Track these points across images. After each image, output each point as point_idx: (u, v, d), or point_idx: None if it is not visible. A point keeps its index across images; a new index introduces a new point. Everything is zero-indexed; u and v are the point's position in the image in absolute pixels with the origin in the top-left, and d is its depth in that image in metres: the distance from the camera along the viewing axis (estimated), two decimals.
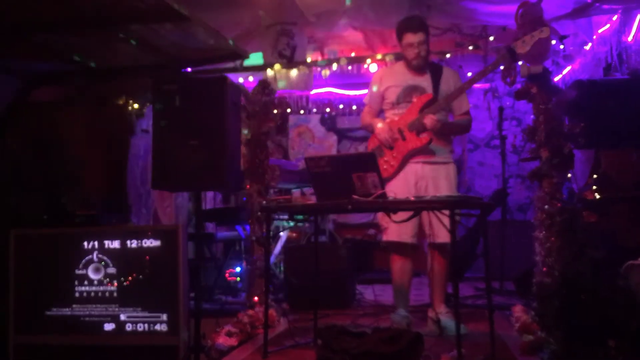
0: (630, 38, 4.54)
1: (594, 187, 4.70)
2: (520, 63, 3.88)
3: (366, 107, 4.02)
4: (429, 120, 3.62)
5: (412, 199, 3.05)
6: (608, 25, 4.81)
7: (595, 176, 4.88)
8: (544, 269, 3.81)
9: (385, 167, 3.75)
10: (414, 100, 3.73)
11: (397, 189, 3.66)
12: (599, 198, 4.59)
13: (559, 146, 3.91)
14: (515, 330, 3.48)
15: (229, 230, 5.87)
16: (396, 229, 3.61)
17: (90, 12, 3.90)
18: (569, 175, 4.08)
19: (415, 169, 3.73)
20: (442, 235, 3.47)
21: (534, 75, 3.92)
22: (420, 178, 3.72)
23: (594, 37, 5.04)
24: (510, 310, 3.90)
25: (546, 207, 3.87)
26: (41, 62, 4.85)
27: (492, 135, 7.29)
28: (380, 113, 3.97)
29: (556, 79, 5.81)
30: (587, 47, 5.22)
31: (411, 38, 3.72)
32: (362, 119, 4.04)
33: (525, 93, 4.14)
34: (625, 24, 4.57)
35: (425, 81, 3.78)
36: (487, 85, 6.71)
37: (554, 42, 4.44)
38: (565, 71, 5.83)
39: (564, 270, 3.41)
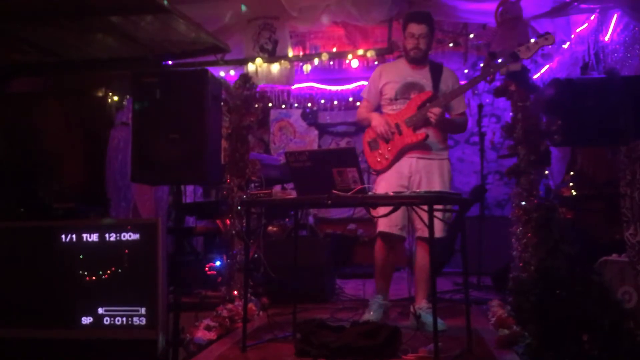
0: (607, 37, 4.61)
1: (570, 184, 4.78)
2: (499, 61, 3.92)
3: (364, 101, 4.01)
4: (435, 111, 3.63)
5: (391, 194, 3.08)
6: (586, 25, 4.87)
7: (571, 173, 4.97)
8: (520, 264, 3.87)
9: (379, 159, 3.77)
10: (413, 96, 3.75)
11: (390, 181, 3.68)
12: (575, 195, 4.67)
13: (536, 143, 3.97)
14: (491, 325, 3.53)
15: (210, 224, 5.85)
16: (386, 221, 3.64)
17: (69, 2, 3.86)
18: (546, 172, 4.13)
19: (409, 163, 3.75)
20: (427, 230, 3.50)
21: (513, 73, 3.96)
22: (414, 172, 3.74)
23: (572, 36, 5.10)
24: (487, 304, 3.95)
25: (523, 203, 3.93)
26: (18, 53, 4.78)
27: (472, 132, 7.35)
28: (378, 108, 3.95)
29: (535, 77, 5.88)
30: (565, 46, 5.28)
31: (414, 28, 3.73)
32: (358, 113, 4.02)
33: (504, 90, 4.19)
34: (602, 23, 4.64)
35: (424, 78, 3.79)
36: None
37: (532, 40, 4.49)
38: (543, 69, 5.90)
39: (539, 265, 3.46)
